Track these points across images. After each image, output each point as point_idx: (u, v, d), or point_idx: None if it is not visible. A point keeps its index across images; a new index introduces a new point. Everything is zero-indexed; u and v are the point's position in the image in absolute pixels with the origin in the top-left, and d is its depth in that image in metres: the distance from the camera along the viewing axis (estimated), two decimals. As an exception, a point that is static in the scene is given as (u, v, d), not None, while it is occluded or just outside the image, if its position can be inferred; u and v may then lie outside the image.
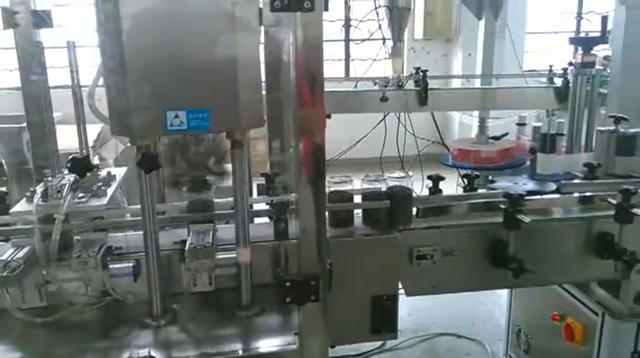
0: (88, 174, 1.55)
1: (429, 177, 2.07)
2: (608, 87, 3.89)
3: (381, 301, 1.77)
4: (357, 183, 1.98)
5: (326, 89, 4.10)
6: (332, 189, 1.89)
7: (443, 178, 2.05)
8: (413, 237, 1.82)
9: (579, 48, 2.65)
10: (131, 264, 1.57)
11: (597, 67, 4.29)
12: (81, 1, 6.26)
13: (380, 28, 4.76)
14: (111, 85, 1.35)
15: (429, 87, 4.60)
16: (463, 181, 2.29)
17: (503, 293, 3.00)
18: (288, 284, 1.32)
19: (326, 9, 1.22)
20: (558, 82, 4.07)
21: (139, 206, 1.50)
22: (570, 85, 2.42)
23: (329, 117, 4.77)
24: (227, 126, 1.41)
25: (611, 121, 2.25)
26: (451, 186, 3.44)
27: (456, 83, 7.02)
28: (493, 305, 3.48)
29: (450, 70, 7.52)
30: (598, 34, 2.31)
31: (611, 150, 2.26)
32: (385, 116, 5.07)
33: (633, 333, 1.95)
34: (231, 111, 1.36)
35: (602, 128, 2.31)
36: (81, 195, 1.57)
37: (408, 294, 1.91)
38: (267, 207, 1.77)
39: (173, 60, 1.31)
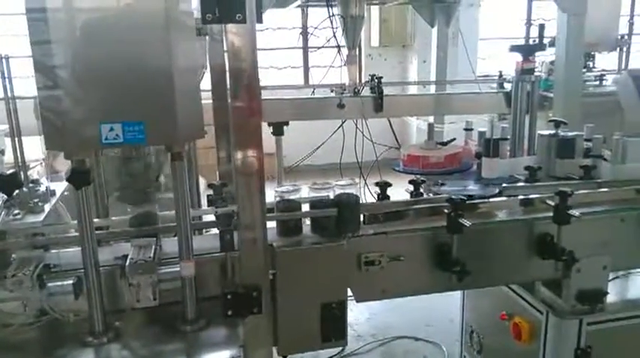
0: (17, 191, 1.49)
1: (377, 184, 2.10)
2: (554, 91, 4.06)
3: (330, 309, 1.77)
4: (307, 192, 1.99)
5: (283, 97, 4.14)
6: (279, 198, 1.90)
7: (390, 184, 2.08)
8: (360, 244, 1.84)
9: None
10: (71, 281, 1.53)
11: (542, 72, 4.50)
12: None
13: (335, 36, 4.82)
14: (44, 98, 1.32)
15: (385, 93, 4.70)
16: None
17: (458, 294, 3.07)
18: (229, 296, 1.31)
19: (259, 21, 1.22)
20: (508, 86, 4.22)
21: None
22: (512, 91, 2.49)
23: (286, 124, 4.81)
24: (164, 139, 1.40)
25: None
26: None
27: (413, 89, 7.16)
28: (449, 306, 3.52)
29: (407, 77, 7.67)
30: (536, 42, 2.39)
31: (551, 153, 2.35)
32: (343, 123, 5.12)
33: (576, 330, 2.01)
34: (168, 123, 1.35)
35: (543, 132, 2.39)
36: (16, 211, 1.53)
37: (357, 300, 1.93)
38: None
39: (107, 72, 1.30)
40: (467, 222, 1.76)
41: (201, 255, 1.65)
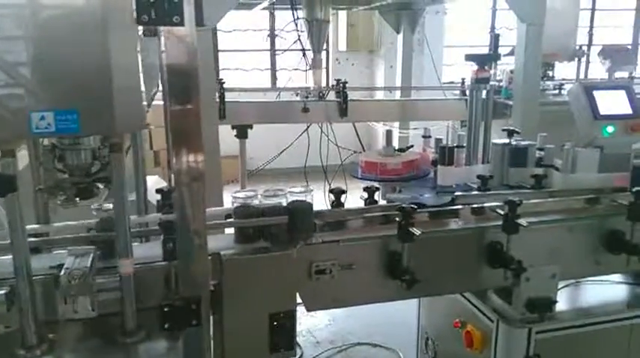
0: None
1: (331, 191, 2.08)
2: (513, 99, 4.13)
3: (279, 319, 1.74)
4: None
5: (247, 100, 4.08)
6: (236, 203, 1.86)
7: (344, 191, 2.07)
8: (311, 252, 1.82)
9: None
10: (3, 292, 1.46)
11: (503, 81, 4.58)
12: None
13: (299, 39, 4.81)
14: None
15: (350, 98, 4.70)
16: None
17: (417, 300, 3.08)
18: (166, 309, 1.26)
19: (200, 24, 1.18)
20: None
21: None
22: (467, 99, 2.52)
23: (250, 127, 4.77)
24: (99, 129, 1.33)
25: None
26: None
27: (380, 95, 7.21)
28: (409, 312, 3.53)
29: (374, 82, 7.71)
30: (491, 52, 2.42)
31: (505, 162, 2.37)
32: (308, 126, 5.11)
33: (525, 339, 2.03)
34: (104, 112, 1.28)
35: (497, 141, 2.42)
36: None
37: (308, 309, 1.90)
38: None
39: (39, 59, 1.23)
40: (417, 231, 1.76)
41: (144, 263, 1.60)
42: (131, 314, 1.50)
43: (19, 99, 1.23)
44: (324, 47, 7.84)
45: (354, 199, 2.18)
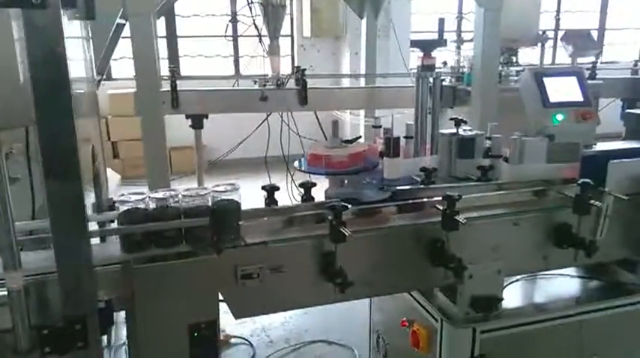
0: None
1: (263, 188, 1.94)
2: (471, 86, 4.03)
3: (199, 330, 1.61)
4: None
5: (204, 88, 3.91)
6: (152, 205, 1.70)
7: (278, 188, 1.93)
8: (236, 256, 1.68)
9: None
10: None
11: (466, 67, 4.47)
12: None
13: (255, 24, 4.62)
14: None
15: (311, 86, 4.55)
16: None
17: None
18: (44, 331, 1.11)
19: (69, 5, 1.03)
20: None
21: None
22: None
23: (206, 117, 4.58)
24: None
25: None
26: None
27: (346, 82, 7.06)
28: (365, 307, 3.45)
29: (340, 69, 7.55)
30: (436, 38, 2.30)
31: (452, 153, 2.27)
32: (268, 116, 4.94)
33: (469, 338, 1.94)
34: None
35: (444, 131, 2.31)
36: None
37: (235, 316, 1.77)
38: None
39: None
40: (347, 231, 1.63)
41: (42, 274, 1.44)
42: (23, 332, 1.35)
43: None
44: (289, 33, 7.67)
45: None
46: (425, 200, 1.92)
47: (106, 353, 1.52)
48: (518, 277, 2.26)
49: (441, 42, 2.27)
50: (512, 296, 2.14)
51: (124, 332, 1.68)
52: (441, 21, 2.26)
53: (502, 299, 1.97)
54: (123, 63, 6.54)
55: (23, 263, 1.33)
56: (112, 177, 4.95)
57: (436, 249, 1.84)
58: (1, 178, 1.25)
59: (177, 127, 4.82)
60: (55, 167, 1.06)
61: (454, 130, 2.28)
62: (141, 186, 3.50)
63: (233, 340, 3.25)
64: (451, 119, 2.28)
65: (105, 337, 1.53)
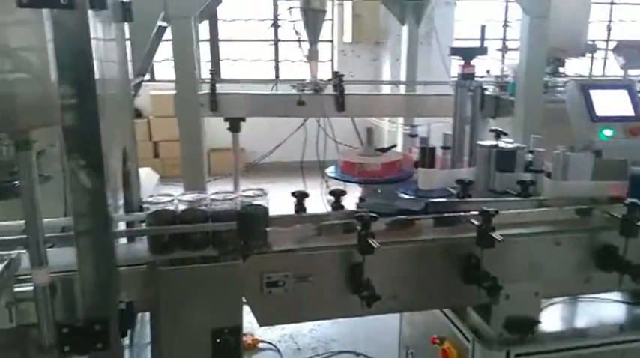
0: None
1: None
2: (515, 96, 3.90)
3: (222, 335, 1.59)
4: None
5: (242, 91, 3.92)
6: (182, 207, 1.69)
7: (307, 195, 1.90)
8: (262, 262, 1.65)
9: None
10: None
11: (510, 76, 4.33)
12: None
13: (295, 29, 4.62)
14: None
15: (348, 92, 4.51)
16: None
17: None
18: (65, 330, 1.11)
19: (99, 7, 1.02)
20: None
21: None
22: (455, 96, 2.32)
23: (243, 120, 4.60)
24: (1, 124, 1.19)
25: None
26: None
27: (386, 89, 6.98)
28: (395, 321, 3.37)
29: (380, 75, 7.47)
30: (478, 45, 2.22)
31: (491, 166, 2.18)
32: (305, 121, 4.93)
33: (502, 360, 1.85)
34: (6, 106, 1.14)
35: (483, 142, 2.22)
36: None
37: (260, 324, 1.74)
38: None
39: None
40: (375, 243, 1.58)
41: (69, 271, 1.44)
42: (47, 328, 1.36)
43: None
44: (330, 39, 7.65)
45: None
46: (460, 214, 1.84)
47: (129, 352, 1.51)
48: (558, 299, 2.14)
49: (481, 50, 2.19)
50: (551, 319, 2.03)
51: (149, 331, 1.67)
52: (483, 28, 2.18)
53: (539, 321, 1.87)
54: (166, 65, 6.67)
55: (53, 259, 1.34)
56: (152, 176, 5.02)
57: (470, 266, 1.76)
58: (30, 176, 1.26)
59: (217, 129, 4.86)
60: (78, 165, 1.06)
61: (494, 142, 2.19)
62: (178, 186, 3.53)
63: (261, 344, 3.22)
64: (491, 130, 2.20)
65: (129, 336, 1.53)
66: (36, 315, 1.36)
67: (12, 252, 1.40)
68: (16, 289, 1.36)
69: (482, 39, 2.17)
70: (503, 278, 1.75)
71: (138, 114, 7.33)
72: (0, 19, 1.11)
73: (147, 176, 5.06)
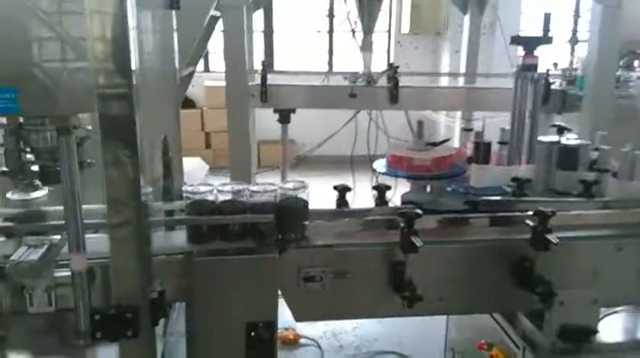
0: None
1: (335, 188, 1.85)
2: (583, 91, 3.66)
3: (257, 329, 1.55)
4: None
5: (292, 83, 3.89)
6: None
7: (349, 189, 1.84)
8: (300, 256, 1.61)
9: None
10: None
11: (578, 69, 4.07)
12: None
13: (349, 19, 4.53)
14: None
15: (402, 84, 4.38)
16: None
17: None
18: (97, 317, 1.10)
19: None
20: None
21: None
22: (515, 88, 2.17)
23: (293, 111, 4.57)
24: (43, 109, 1.19)
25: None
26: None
27: (444, 82, 6.75)
28: (441, 322, 3.25)
29: (438, 67, 7.24)
30: (541, 35, 2.05)
31: (552, 164, 2.03)
32: (356, 113, 4.84)
33: (555, 371, 1.72)
34: (47, 92, 1.14)
35: (544, 138, 2.07)
36: None
37: (296, 320, 1.70)
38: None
39: None
40: (419, 241, 1.49)
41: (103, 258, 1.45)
42: (83, 313, 1.37)
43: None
44: (387, 29, 7.50)
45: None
46: (514, 214, 1.72)
47: (163, 340, 1.51)
48: (618, 309, 1.98)
49: (545, 39, 2.03)
50: (610, 329, 1.88)
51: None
52: (547, 17, 2.01)
53: (597, 331, 1.73)
54: (220, 56, 6.74)
55: (95, 245, 1.35)
56: (201, 166, 5.10)
57: (522, 270, 1.64)
58: (70, 162, 1.27)
59: (268, 121, 4.87)
60: (113, 153, 1.05)
61: (556, 138, 2.04)
62: (227, 176, 3.55)
63: (302, 340, 3.19)
64: (553, 126, 2.04)
65: (163, 325, 1.52)
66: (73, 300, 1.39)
67: (54, 236, 1.43)
68: (56, 274, 1.39)
69: (547, 28, 2.01)
70: (559, 283, 1.63)
71: (191, 104, 7.46)
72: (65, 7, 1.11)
73: (196, 166, 5.15)
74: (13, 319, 1.41)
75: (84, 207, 1.46)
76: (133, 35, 1.21)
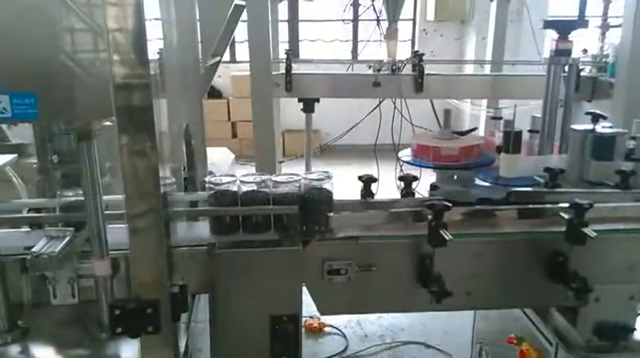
0: None
1: (360, 178, 1.80)
2: (615, 77, 3.52)
3: (281, 322, 1.53)
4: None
5: (316, 72, 3.83)
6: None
7: (375, 179, 1.78)
8: (324, 249, 1.57)
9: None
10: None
11: (611, 55, 3.92)
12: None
13: (374, 7, 4.45)
14: None
15: (427, 72, 4.30)
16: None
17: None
18: (117, 312, 1.08)
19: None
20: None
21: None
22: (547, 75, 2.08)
23: (317, 101, 4.52)
24: (62, 115, 1.18)
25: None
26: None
27: (469, 69, 6.61)
28: (469, 314, 3.19)
29: (464, 55, 7.09)
30: (576, 18, 1.96)
31: (586, 153, 1.94)
32: (381, 102, 4.76)
33: (589, 369, 1.66)
34: (66, 97, 1.13)
35: (578, 126, 1.98)
36: None
37: (321, 313, 1.67)
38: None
39: None
40: (447, 234, 1.44)
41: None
42: (106, 306, 1.36)
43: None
44: (411, 17, 7.36)
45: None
46: (547, 206, 1.65)
47: (186, 331, 1.49)
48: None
49: (581, 22, 1.93)
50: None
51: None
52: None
53: (635, 329, 1.66)
54: (247, 46, 6.71)
55: (121, 236, 1.32)
56: (227, 156, 5.10)
57: (556, 265, 1.57)
58: (90, 167, 1.25)
59: (293, 110, 4.83)
60: (130, 145, 1.02)
61: (590, 126, 1.95)
62: (253, 166, 3.54)
63: (327, 329, 3.17)
64: (587, 113, 1.95)
65: (187, 317, 1.51)
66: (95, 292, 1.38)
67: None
68: (79, 265, 1.38)
69: (583, 10, 1.91)
70: (594, 278, 1.56)
71: (218, 94, 7.47)
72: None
73: (223, 156, 5.15)
74: (36, 311, 1.40)
75: (112, 197, 1.45)
76: (155, 25, 1.17)
